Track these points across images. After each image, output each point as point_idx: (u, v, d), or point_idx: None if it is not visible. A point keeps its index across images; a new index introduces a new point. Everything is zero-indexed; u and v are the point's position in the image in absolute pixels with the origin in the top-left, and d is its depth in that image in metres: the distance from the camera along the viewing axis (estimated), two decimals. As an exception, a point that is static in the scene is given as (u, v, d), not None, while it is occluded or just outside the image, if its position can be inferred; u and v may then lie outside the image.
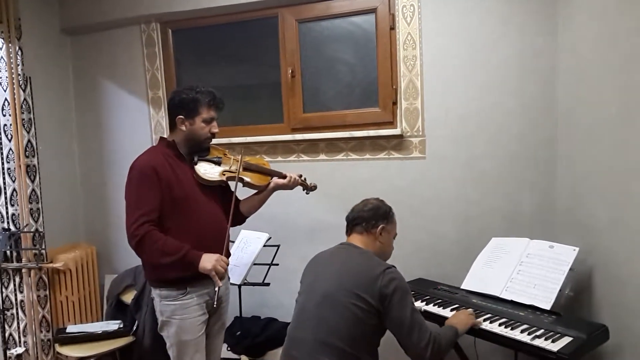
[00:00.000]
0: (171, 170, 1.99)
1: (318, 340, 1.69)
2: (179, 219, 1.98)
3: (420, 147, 2.68)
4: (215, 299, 1.93)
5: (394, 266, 1.77)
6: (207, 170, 2.09)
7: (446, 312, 2.05)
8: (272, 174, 2.23)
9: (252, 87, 3.16)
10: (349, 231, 1.96)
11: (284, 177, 2.22)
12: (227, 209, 2.05)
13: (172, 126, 2.09)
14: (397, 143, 2.72)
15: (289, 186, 2.23)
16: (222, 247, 2.02)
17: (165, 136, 2.15)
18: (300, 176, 2.27)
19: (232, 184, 2.10)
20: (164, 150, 2.06)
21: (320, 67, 2.90)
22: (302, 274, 1.96)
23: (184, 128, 2.04)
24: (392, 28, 2.67)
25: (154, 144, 2.93)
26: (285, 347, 1.85)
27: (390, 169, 2.74)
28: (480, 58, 2.53)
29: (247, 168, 2.18)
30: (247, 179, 2.16)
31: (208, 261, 1.92)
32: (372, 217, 1.92)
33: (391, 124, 2.73)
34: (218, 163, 2.13)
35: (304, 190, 2.32)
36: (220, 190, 2.15)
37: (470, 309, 2.01)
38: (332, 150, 2.85)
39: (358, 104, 2.83)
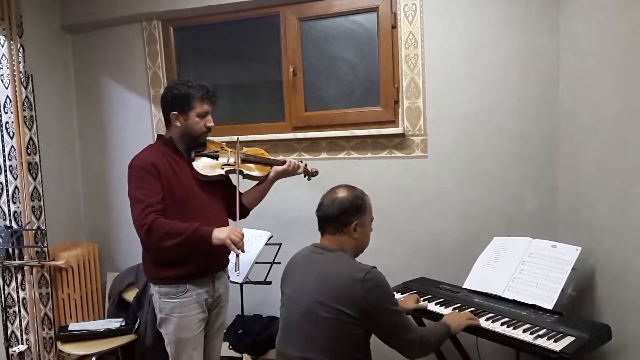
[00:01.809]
0: (170, 169, 1.99)
1: (305, 358, 1.66)
2: (180, 216, 1.96)
3: (422, 146, 2.68)
4: (236, 263, 1.90)
5: (374, 267, 1.66)
6: (205, 166, 2.08)
7: (447, 312, 2.04)
8: (271, 163, 2.21)
9: (254, 86, 3.16)
10: (322, 230, 1.81)
11: (283, 163, 2.19)
12: (228, 204, 2.03)
13: (168, 123, 2.08)
14: (399, 142, 2.72)
15: (290, 172, 2.20)
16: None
17: (162, 133, 2.14)
18: (301, 162, 2.24)
19: (232, 177, 2.09)
20: (161, 148, 2.05)
21: (322, 66, 2.89)
22: (280, 281, 1.88)
23: (178, 124, 2.03)
24: (394, 27, 2.67)
25: (155, 143, 2.94)
26: None
27: (392, 168, 2.74)
28: (482, 57, 2.53)
29: (246, 159, 2.17)
30: (246, 171, 2.14)
31: (221, 231, 1.89)
32: (342, 215, 1.74)
33: (393, 122, 2.73)
34: (216, 157, 2.11)
35: (305, 176, 2.28)
36: (220, 185, 2.13)
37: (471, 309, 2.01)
38: (333, 149, 2.85)
39: (360, 102, 2.82)
